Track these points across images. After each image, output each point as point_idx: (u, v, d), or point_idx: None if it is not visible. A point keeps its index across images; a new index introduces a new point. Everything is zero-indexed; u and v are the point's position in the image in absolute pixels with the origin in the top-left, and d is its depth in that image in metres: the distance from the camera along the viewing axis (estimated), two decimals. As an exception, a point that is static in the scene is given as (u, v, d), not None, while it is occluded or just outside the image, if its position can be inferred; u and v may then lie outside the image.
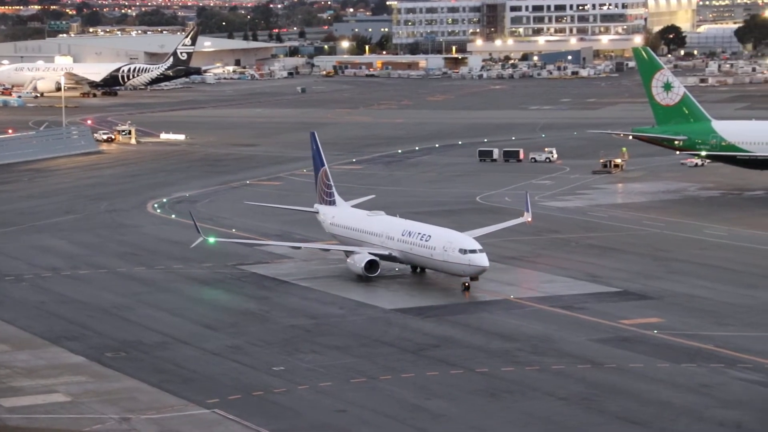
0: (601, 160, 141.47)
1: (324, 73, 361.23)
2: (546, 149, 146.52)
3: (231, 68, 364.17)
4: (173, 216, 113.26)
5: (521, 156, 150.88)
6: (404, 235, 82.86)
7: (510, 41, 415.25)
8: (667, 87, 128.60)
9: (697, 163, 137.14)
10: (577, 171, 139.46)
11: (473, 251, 77.66)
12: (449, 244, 78.77)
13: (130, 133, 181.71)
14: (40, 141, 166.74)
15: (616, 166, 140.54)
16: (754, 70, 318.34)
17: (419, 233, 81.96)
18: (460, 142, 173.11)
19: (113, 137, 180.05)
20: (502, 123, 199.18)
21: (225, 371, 62.66)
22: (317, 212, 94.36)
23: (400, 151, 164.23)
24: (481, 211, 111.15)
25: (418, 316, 73.78)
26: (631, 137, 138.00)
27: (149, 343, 68.63)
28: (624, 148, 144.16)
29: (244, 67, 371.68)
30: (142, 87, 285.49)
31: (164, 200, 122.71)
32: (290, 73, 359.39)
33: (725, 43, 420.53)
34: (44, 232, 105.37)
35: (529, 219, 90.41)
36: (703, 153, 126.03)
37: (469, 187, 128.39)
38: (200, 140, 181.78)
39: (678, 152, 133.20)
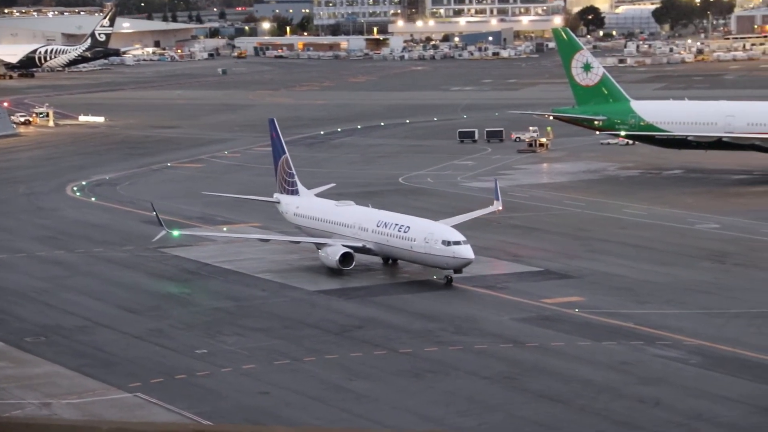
0: (527, 140, 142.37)
1: (237, 54, 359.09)
2: (530, 128, 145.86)
3: (150, 50, 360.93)
4: (93, 199, 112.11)
5: (509, 136, 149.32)
6: (379, 226, 78.80)
7: (431, 22, 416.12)
8: (587, 67, 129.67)
9: (628, 142, 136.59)
10: (498, 151, 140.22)
11: (457, 243, 74.06)
12: (431, 235, 75.05)
13: (47, 115, 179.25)
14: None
15: (542, 145, 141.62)
16: (671, 50, 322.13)
17: (396, 224, 77.97)
18: (382, 123, 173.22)
19: (30, 120, 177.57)
20: (424, 104, 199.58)
21: (147, 355, 62.22)
22: (278, 202, 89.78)
23: (322, 132, 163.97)
24: (403, 192, 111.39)
25: (341, 297, 73.80)
26: (551, 117, 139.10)
27: (69, 327, 67.92)
28: (549, 128, 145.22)
29: (164, 49, 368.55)
30: (60, 69, 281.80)
31: (84, 183, 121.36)
32: (211, 55, 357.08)
33: (643, 24, 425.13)
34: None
35: (500, 207, 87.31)
36: (622, 133, 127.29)
37: (392, 168, 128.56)
38: (120, 122, 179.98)
39: (597, 132, 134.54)
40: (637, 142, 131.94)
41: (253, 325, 67.54)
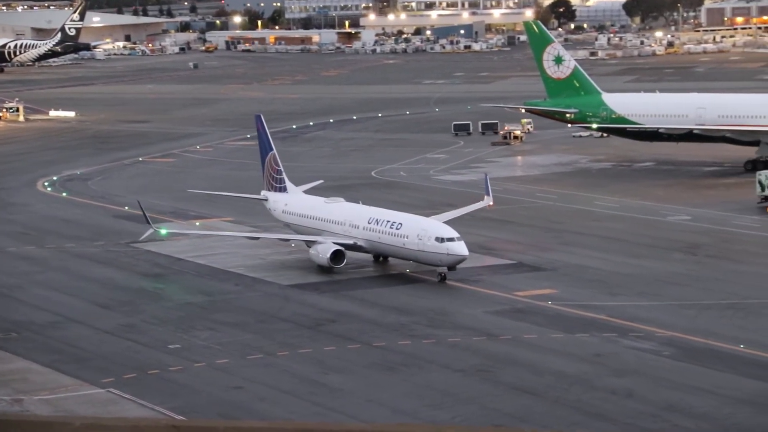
0: (501, 132, 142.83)
1: (205, 48, 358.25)
2: (524, 120, 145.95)
3: (121, 44, 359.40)
4: (64, 194, 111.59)
5: (505, 127, 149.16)
6: (371, 222, 77.46)
7: (403, 16, 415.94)
8: (558, 60, 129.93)
9: (603, 135, 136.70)
10: (471, 144, 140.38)
11: (451, 239, 72.84)
12: (424, 232, 73.76)
13: (18, 110, 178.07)
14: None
15: (516, 137, 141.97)
16: (642, 43, 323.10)
17: (388, 221, 76.60)
18: (354, 117, 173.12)
19: (0, 115, 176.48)
20: (396, 97, 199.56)
21: (119, 350, 62.01)
22: (266, 199, 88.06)
23: (294, 126, 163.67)
24: (376, 186, 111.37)
25: (314, 291, 73.73)
26: (523, 110, 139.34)
27: (41, 323, 67.60)
28: (524, 120, 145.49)
29: (135, 43, 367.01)
30: (30, 63, 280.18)
31: (55, 178, 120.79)
32: (182, 49, 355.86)
33: (614, 17, 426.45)
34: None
35: (491, 203, 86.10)
36: (594, 126, 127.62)
37: (365, 161, 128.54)
38: (91, 117, 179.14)
39: (570, 125, 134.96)
40: (608, 135, 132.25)
41: (226, 320, 67.39)
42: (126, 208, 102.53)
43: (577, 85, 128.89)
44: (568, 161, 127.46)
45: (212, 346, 62.16)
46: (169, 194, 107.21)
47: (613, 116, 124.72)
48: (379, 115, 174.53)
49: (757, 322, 64.93)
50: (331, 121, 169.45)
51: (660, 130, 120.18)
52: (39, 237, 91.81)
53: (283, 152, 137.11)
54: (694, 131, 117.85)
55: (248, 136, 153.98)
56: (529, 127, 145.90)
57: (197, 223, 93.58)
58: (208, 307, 70.40)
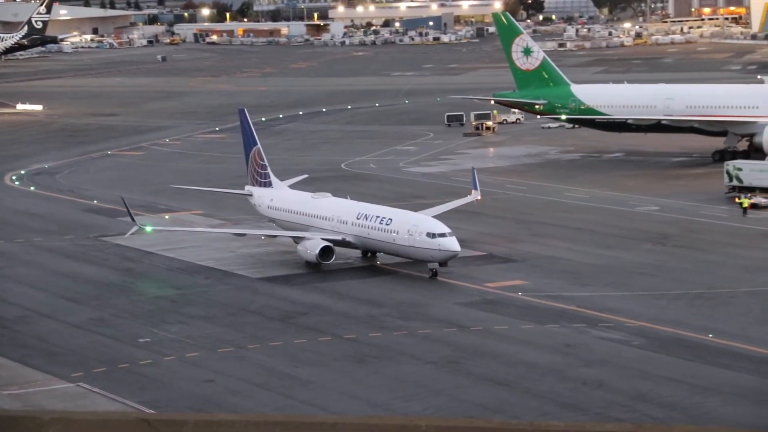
0: (473, 123, 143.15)
1: (169, 41, 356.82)
2: (514, 111, 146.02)
3: (88, 37, 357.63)
4: (32, 188, 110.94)
5: (495, 119, 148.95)
6: (360, 218, 76.29)
7: (371, 7, 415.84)
8: (527, 52, 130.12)
9: (575, 126, 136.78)
10: (440, 137, 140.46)
11: (442, 235, 71.78)
12: (414, 227, 72.67)
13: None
14: None
15: (488, 128, 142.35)
16: (610, 34, 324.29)
17: (377, 216, 75.48)
18: (324, 109, 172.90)
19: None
20: (365, 89, 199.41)
21: (89, 344, 61.74)
22: (250, 194, 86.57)
23: (264, 119, 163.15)
24: (346, 178, 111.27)
25: (285, 284, 73.60)
26: (492, 102, 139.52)
27: (10, 317, 67.22)
28: (495, 111, 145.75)
29: (102, 36, 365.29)
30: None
31: (22, 172, 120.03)
32: (150, 42, 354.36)
33: (582, 8, 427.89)
34: None
35: (479, 197, 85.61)
36: (563, 117, 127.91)
37: (334, 154, 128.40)
38: (59, 111, 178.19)
39: (539, 116, 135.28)
40: (577, 126, 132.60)
41: (197, 313, 67.21)
42: (95, 201, 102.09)
43: (546, 76, 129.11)
44: (538, 152, 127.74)
45: (182, 340, 61.97)
46: (139, 187, 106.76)
47: (582, 107, 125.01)
48: (349, 107, 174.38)
49: (725, 311, 65.32)
50: (301, 113, 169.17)
51: (628, 121, 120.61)
52: (7, 231, 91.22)
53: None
54: (663, 122, 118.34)
55: (217, 129, 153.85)
56: (519, 117, 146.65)
57: (167, 217, 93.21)
58: (178, 301, 70.18)
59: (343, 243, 76.95)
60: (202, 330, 63.78)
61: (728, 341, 59.45)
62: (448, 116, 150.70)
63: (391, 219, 74.90)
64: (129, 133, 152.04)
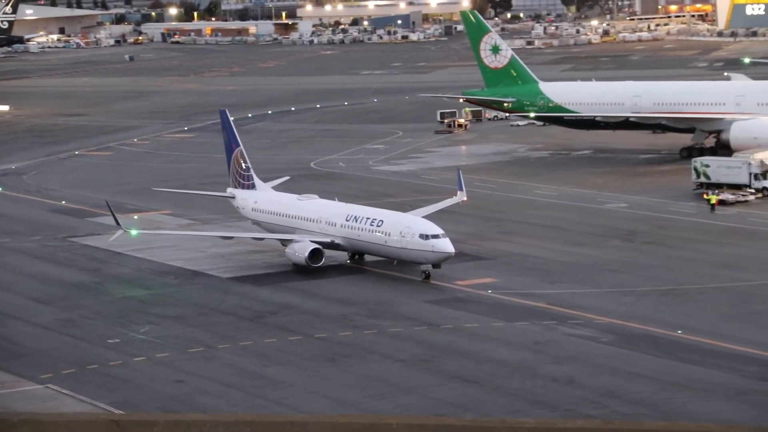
0: (445, 120, 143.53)
1: (133, 40, 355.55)
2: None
3: (55, 36, 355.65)
4: (0, 189, 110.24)
5: (485, 115, 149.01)
6: (349, 220, 75.30)
7: (340, 6, 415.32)
8: (495, 50, 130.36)
9: (545, 124, 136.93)
10: (410, 135, 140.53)
11: (436, 236, 70.82)
12: (407, 229, 71.71)
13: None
14: None
15: (460, 125, 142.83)
16: (578, 32, 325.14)
17: (367, 218, 74.51)
18: (293, 108, 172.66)
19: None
20: (334, 88, 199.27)
21: (58, 345, 61.44)
22: (233, 197, 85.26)
23: (232, 118, 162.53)
24: (316, 177, 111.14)
25: (254, 283, 73.46)
26: (461, 100, 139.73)
27: (-22, 320, 66.75)
28: (467, 108, 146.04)
29: (69, 36, 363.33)
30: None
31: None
32: (117, 41, 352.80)
33: (550, 6, 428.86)
34: None
35: (464, 198, 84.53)
36: (532, 114, 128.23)
37: (304, 153, 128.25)
38: (25, 111, 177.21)
39: (507, 114, 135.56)
40: (546, 124, 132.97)
41: (166, 314, 66.99)
42: (63, 202, 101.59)
43: (515, 74, 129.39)
44: (507, 150, 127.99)
45: (152, 340, 61.75)
46: (107, 188, 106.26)
47: (551, 105, 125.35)
48: (318, 106, 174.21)
49: (693, 307, 65.67)
50: (270, 112, 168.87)
51: (597, 119, 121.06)
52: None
53: (221, 145, 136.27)
54: (630, 119, 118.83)
55: (186, 128, 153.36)
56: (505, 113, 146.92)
57: (135, 217, 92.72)
58: (147, 301, 69.93)
59: (332, 245, 75.91)
60: (171, 330, 63.57)
61: (697, 337, 59.78)
62: (441, 113, 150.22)
63: (382, 220, 73.87)
64: (97, 133, 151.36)
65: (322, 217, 77.71)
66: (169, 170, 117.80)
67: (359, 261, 77.19)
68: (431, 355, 58.42)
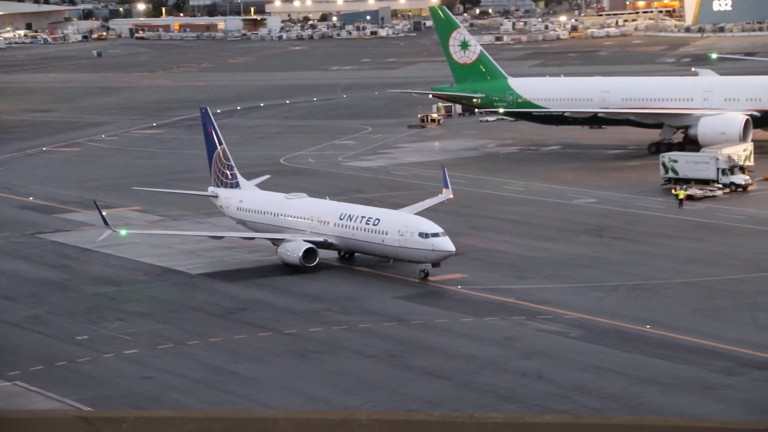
0: (419, 115, 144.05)
1: (97, 36, 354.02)
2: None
3: (22, 32, 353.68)
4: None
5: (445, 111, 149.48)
6: (343, 218, 73.79)
7: (309, 2, 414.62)
8: (464, 46, 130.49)
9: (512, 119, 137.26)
10: (379, 131, 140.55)
11: (435, 234, 69.40)
12: (405, 227, 70.21)
13: None
14: None
15: (433, 120, 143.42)
16: (546, 27, 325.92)
17: (363, 216, 72.94)
18: (262, 104, 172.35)
19: None
20: (303, 84, 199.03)
21: (25, 342, 61.12)
22: (216, 196, 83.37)
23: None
24: (285, 173, 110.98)
25: (224, 279, 73.29)
26: (430, 96, 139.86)
27: (-55, 317, 66.32)
28: (440, 103, 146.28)
29: (36, 31, 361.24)
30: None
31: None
32: (85, 37, 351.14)
33: (518, 2, 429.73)
34: None
35: (450, 196, 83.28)
36: (501, 110, 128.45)
37: (273, 149, 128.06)
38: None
39: (476, 110, 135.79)
40: (515, 119, 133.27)
41: (135, 310, 66.77)
42: (30, 198, 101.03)
43: (484, 70, 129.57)
44: (476, 146, 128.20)
45: (121, 337, 61.52)
46: (75, 184, 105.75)
47: (519, 101, 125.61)
48: (287, 102, 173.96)
49: (661, 302, 65.97)
50: (239, 108, 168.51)
51: (565, 114, 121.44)
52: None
53: (190, 140, 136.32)
54: (599, 115, 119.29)
55: (154, 124, 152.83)
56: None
57: (104, 213, 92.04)
58: (116, 298, 69.67)
59: (325, 245, 74.53)
60: (140, 327, 63.36)
61: (665, 332, 60.05)
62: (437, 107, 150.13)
63: (378, 219, 72.52)
64: (65, 129, 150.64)
65: (313, 215, 76.21)
66: (137, 166, 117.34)
67: (349, 261, 76.19)
68: (401, 350, 58.47)
